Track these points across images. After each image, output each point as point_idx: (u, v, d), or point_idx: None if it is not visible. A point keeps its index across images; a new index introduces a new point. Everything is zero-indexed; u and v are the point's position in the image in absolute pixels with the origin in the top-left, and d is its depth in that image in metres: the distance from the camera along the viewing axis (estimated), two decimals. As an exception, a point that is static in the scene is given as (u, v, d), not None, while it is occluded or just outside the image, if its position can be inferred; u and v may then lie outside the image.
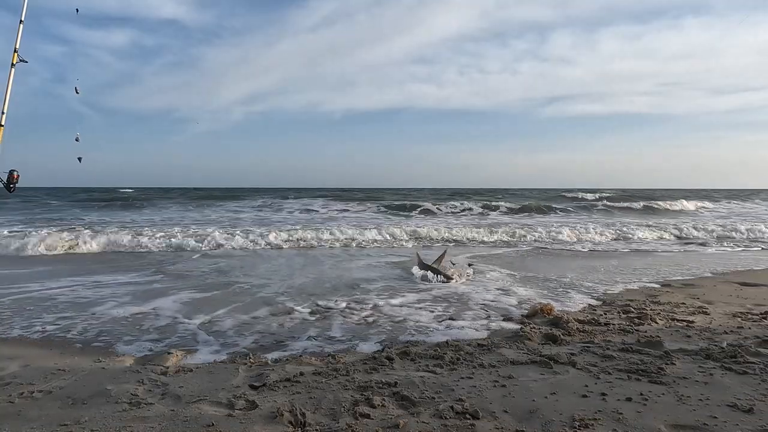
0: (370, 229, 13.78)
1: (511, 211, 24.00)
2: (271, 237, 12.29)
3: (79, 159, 4.29)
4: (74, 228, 13.76)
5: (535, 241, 13.17)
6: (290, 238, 12.37)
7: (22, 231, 12.54)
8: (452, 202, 26.52)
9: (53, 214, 20.93)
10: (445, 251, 8.59)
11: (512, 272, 8.08)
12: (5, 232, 12.10)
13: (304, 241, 12.33)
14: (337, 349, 4.11)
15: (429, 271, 7.45)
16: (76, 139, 4.32)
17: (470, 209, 24.42)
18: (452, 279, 7.18)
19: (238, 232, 12.84)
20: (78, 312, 5.35)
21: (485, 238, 13.38)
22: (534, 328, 4.49)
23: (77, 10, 4.69)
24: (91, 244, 11.08)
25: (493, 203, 26.06)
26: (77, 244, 11.01)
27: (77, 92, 4.57)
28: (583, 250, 11.53)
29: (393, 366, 3.47)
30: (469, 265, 8.38)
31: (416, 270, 7.81)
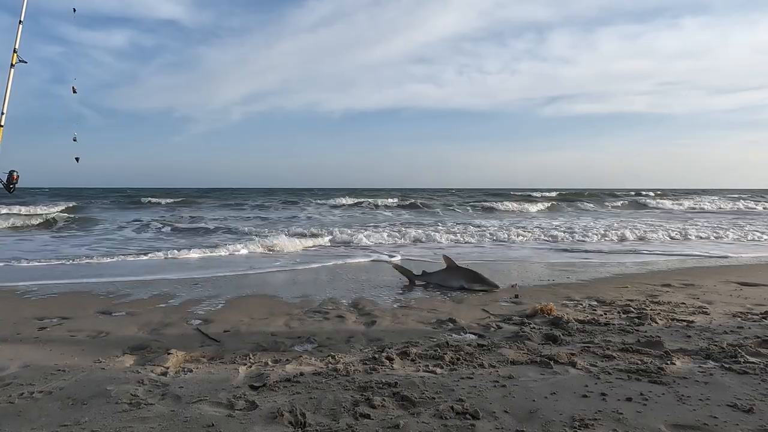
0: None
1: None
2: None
3: (77, 159, 4.30)
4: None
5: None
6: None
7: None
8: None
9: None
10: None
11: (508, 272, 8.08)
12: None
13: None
14: (335, 348, 4.10)
15: (472, 283, 6.57)
16: (74, 139, 4.34)
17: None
18: (497, 286, 6.53)
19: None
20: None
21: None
22: (534, 328, 4.49)
23: (74, 9, 4.69)
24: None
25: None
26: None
27: (74, 92, 4.56)
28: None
29: (393, 366, 3.47)
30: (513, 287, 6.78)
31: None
